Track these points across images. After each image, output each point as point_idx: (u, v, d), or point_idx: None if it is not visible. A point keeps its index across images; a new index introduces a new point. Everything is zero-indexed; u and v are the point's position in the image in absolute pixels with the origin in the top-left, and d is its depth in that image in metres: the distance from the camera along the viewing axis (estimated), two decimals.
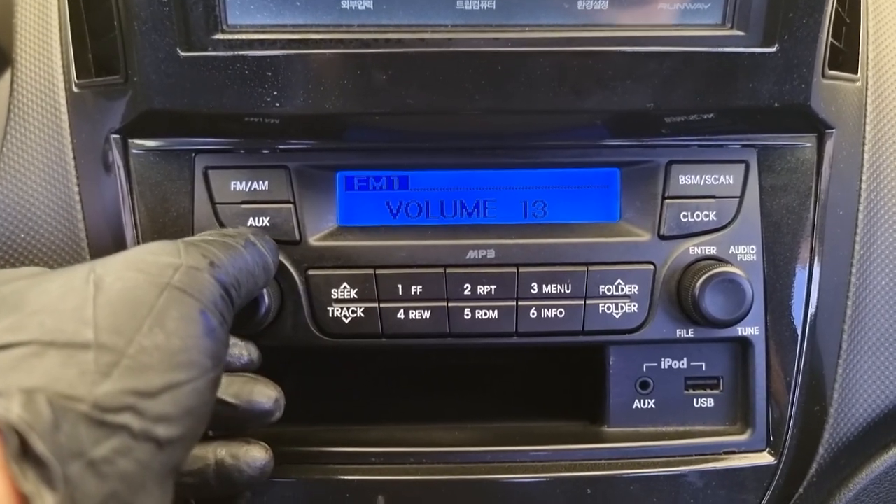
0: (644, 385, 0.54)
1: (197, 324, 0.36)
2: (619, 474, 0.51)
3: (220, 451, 0.46)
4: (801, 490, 0.55)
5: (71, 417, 0.29)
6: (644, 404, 0.54)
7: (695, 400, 0.54)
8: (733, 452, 0.53)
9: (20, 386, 0.29)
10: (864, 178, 0.55)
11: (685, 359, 0.54)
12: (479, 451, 0.52)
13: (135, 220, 0.51)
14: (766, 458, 0.53)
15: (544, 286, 0.51)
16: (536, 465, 0.52)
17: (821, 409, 0.54)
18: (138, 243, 0.51)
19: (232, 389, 0.45)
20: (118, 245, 0.51)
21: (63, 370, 0.30)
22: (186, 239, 0.40)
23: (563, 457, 0.52)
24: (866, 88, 0.56)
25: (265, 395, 0.46)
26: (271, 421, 0.46)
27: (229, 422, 0.46)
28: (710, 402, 0.54)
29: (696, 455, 0.52)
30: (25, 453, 0.27)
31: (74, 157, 0.53)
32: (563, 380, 0.62)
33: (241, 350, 0.48)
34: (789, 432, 0.52)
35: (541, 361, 0.64)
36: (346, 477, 0.50)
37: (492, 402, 0.60)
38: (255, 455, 0.46)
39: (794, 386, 0.53)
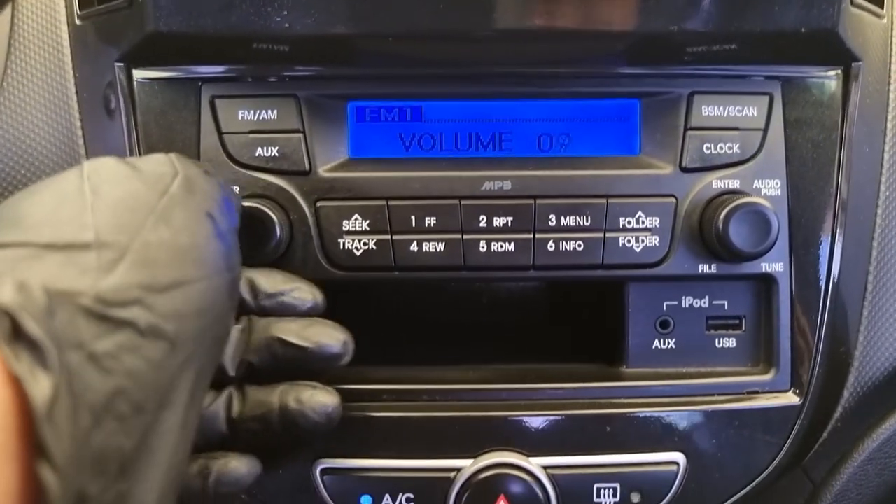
0: (664, 324, 0.52)
1: (204, 225, 0.34)
2: (639, 413, 0.50)
3: (284, 396, 0.43)
4: (825, 435, 0.53)
5: (69, 308, 0.28)
6: (664, 344, 0.52)
7: (716, 340, 0.52)
8: (756, 392, 0.51)
9: (15, 279, 0.27)
10: (889, 117, 0.54)
11: (707, 297, 0.52)
12: (494, 389, 0.51)
13: (139, 152, 0.50)
14: (790, 399, 0.51)
15: (562, 218, 0.49)
16: (553, 403, 0.50)
17: (846, 351, 0.52)
18: None
19: (299, 332, 0.43)
20: None
21: (62, 270, 0.29)
22: (173, 154, 0.39)
23: (581, 395, 0.50)
24: (892, 27, 0.54)
25: (334, 337, 0.44)
26: (340, 364, 0.44)
27: (298, 364, 0.44)
28: (732, 343, 0.52)
29: (718, 394, 0.51)
30: (18, 337, 0.25)
31: (77, 91, 0.51)
32: (579, 329, 0.61)
33: (305, 293, 0.45)
34: (815, 372, 0.51)
35: (557, 309, 0.63)
36: (356, 414, 0.49)
37: (507, 349, 0.58)
38: (322, 400, 0.43)
39: (820, 325, 0.51)
